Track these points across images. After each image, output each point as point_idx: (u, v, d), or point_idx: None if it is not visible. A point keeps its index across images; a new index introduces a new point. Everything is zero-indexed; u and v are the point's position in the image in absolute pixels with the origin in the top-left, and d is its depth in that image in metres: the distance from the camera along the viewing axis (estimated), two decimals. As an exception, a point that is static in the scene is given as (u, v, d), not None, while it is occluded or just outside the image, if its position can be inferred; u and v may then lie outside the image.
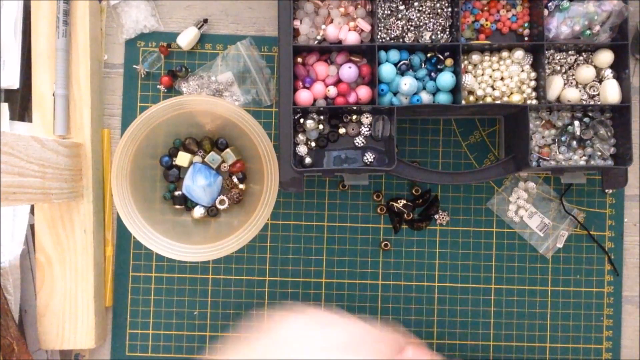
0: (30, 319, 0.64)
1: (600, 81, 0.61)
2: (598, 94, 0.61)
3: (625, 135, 0.59)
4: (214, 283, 0.66)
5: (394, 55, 0.60)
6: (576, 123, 0.60)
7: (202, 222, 0.65)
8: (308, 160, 0.61)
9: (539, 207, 0.67)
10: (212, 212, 0.64)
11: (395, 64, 0.60)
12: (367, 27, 0.59)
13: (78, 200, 0.62)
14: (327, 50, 0.60)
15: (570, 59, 0.61)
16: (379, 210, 0.67)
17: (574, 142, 0.61)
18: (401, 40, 0.61)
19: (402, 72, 0.60)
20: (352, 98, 0.60)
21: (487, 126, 0.67)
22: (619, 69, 0.60)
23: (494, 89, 0.61)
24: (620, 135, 0.60)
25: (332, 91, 0.60)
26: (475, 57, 0.60)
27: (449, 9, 0.60)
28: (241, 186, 0.65)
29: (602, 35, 0.60)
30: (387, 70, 0.59)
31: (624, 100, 0.59)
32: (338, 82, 0.60)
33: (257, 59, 0.66)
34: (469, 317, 0.67)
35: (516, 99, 0.60)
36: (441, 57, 0.60)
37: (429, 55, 0.60)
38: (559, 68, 0.61)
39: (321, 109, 0.59)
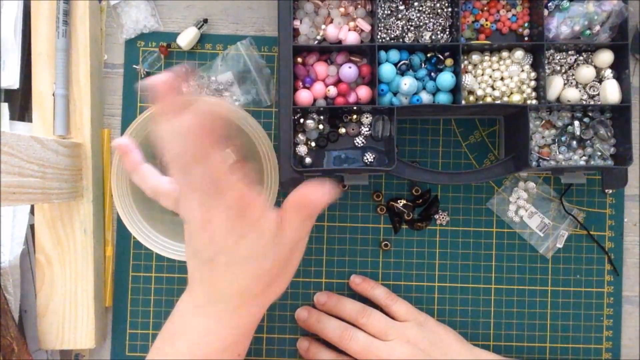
0: (30, 319, 0.64)
1: (600, 81, 0.61)
2: (598, 94, 0.61)
3: (625, 135, 0.59)
4: (214, 283, 0.66)
5: (394, 55, 0.60)
6: (576, 123, 0.60)
7: (202, 222, 0.65)
8: (308, 160, 0.61)
9: (539, 207, 0.67)
10: (212, 212, 0.64)
11: (395, 64, 0.60)
12: (367, 27, 0.59)
13: (78, 200, 0.62)
14: (327, 50, 0.60)
15: (570, 59, 0.61)
16: (379, 210, 0.67)
17: (574, 142, 0.61)
18: (401, 40, 0.61)
19: (402, 72, 0.60)
20: (352, 98, 0.60)
21: (487, 126, 0.67)
22: (619, 69, 0.60)
23: (494, 89, 0.61)
24: (620, 135, 0.60)
25: (332, 91, 0.60)
26: (475, 57, 0.60)
27: (449, 9, 0.60)
28: (241, 186, 0.65)
29: (602, 35, 0.60)
30: (387, 70, 0.59)
31: (624, 100, 0.59)
32: (338, 82, 0.60)
33: (257, 59, 0.66)
34: (469, 317, 0.67)
35: (516, 99, 0.60)
36: (441, 57, 0.60)
37: (429, 55, 0.60)
38: (559, 68, 0.61)
39: (321, 109, 0.59)
